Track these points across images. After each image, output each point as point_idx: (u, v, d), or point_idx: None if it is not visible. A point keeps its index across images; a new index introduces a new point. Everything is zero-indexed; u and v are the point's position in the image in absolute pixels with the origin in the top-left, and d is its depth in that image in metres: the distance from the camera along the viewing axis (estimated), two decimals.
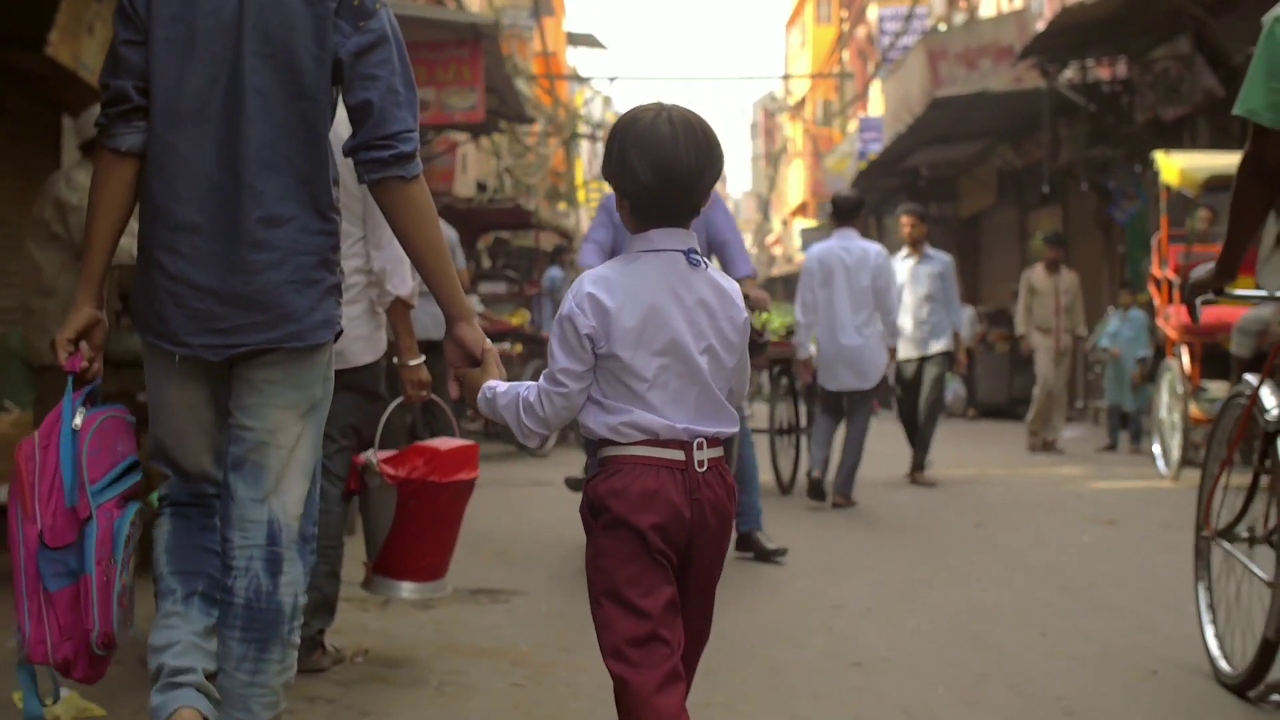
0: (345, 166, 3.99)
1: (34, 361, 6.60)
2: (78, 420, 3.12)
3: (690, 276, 2.79)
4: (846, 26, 37.74)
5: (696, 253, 2.80)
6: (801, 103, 43.23)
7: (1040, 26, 18.56)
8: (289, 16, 3.10)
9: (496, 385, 2.93)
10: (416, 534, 4.64)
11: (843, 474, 9.33)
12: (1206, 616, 4.72)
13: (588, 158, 41.84)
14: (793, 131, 51.17)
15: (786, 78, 45.62)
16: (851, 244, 9.38)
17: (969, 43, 21.28)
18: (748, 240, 60.55)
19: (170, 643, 3.09)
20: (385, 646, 4.98)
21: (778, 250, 58.15)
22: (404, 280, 4.64)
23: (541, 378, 2.81)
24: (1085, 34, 15.94)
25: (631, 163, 2.74)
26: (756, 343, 5.40)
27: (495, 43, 12.77)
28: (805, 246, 42.91)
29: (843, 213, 9.55)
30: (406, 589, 4.76)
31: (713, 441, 2.79)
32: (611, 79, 49.75)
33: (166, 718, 3.03)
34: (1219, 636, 4.61)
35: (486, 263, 18.09)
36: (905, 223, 11.18)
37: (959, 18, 28.11)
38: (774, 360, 10.15)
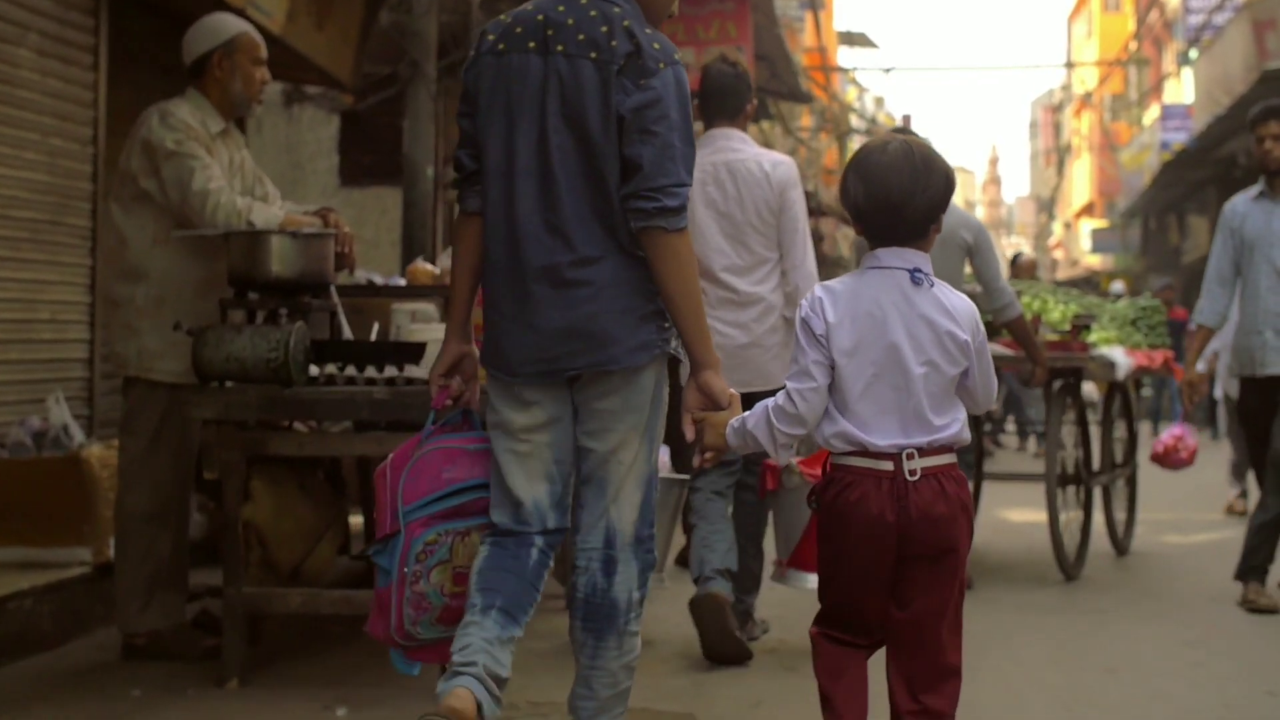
0: (765, 203, 5.24)
1: (118, 371, 5.01)
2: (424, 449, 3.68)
3: (913, 293, 3.02)
4: (1137, 2, 35.36)
5: (922, 271, 3.02)
6: (1088, 95, 40.73)
7: None
8: (581, 79, 3.44)
9: (742, 417, 3.22)
10: None
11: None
12: None
13: None
14: (1078, 124, 48.60)
15: (1070, 65, 43.22)
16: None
17: None
18: (1025, 246, 57.98)
19: (463, 645, 3.43)
20: None
21: (1059, 254, 55.36)
22: None
23: (788, 380, 3.08)
24: None
25: (849, 184, 3.10)
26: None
27: None
28: (1095, 249, 40.49)
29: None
30: (814, 579, 4.98)
31: (928, 451, 3.00)
32: (887, 70, 48.18)
33: (444, 695, 3.35)
34: None
35: None
36: (1268, 133, 6.71)
37: None
38: (1055, 372, 7.18)
